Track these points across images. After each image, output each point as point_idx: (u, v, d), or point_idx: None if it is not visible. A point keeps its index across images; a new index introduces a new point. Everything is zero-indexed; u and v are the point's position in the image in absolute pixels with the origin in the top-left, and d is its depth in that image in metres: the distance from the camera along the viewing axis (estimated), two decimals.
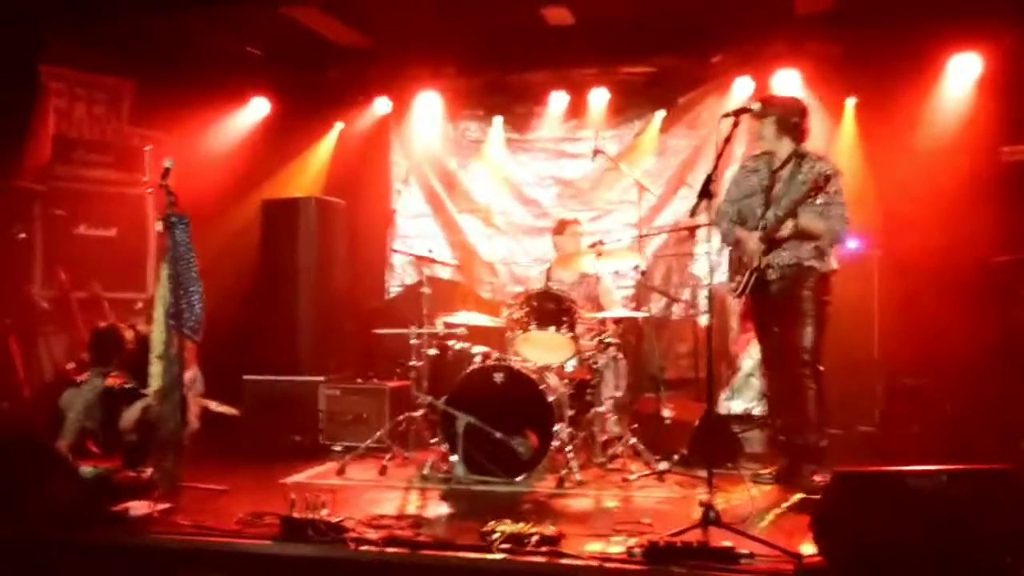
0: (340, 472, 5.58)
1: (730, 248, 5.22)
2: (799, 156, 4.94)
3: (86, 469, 4.92)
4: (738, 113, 4.25)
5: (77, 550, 3.93)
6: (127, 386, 5.64)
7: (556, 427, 5.23)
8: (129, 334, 5.62)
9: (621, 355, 6.10)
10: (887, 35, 6.66)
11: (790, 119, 4.94)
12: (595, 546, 3.79)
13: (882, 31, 6.64)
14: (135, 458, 5.28)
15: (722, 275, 5.34)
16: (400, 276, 8.33)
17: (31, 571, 3.91)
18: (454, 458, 5.27)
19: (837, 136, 7.12)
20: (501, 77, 8.02)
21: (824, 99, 7.01)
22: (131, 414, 5.32)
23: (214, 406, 5.82)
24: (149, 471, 4.83)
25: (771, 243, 4.86)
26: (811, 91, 7.05)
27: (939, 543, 3.26)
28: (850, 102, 7.14)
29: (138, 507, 4.26)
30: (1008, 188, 6.32)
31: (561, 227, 6.69)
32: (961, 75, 6.83)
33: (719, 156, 4.20)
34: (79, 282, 6.77)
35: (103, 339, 5.59)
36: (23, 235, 6.72)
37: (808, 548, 3.60)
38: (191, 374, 5.42)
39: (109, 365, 5.55)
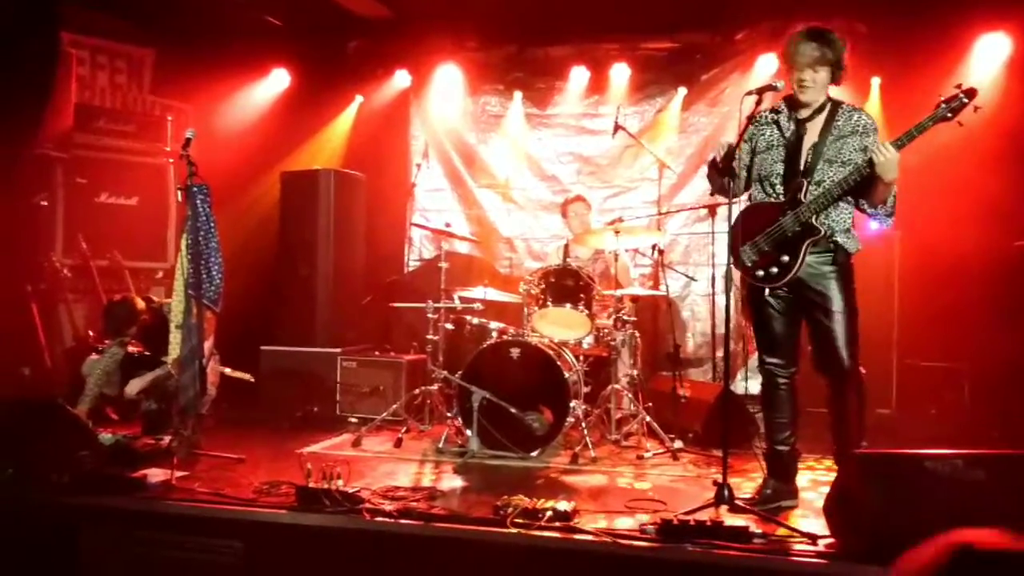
0: (356, 444, 5.62)
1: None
2: (833, 104, 4.10)
3: (105, 436, 4.98)
4: (761, 91, 4.09)
5: (95, 515, 3.98)
6: (146, 354, 5.70)
7: (571, 403, 5.25)
8: (142, 305, 5.66)
9: (637, 333, 6.10)
10: (913, 13, 6.56)
11: (842, 63, 4.04)
12: (608, 523, 3.81)
13: (908, 9, 6.55)
14: (154, 426, 5.36)
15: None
16: (418, 250, 8.35)
17: (49, 535, 3.97)
18: (469, 432, 5.29)
19: None
20: (522, 51, 7.98)
21: (849, 78, 6.90)
22: (137, 383, 5.37)
23: (229, 372, 5.87)
24: (167, 439, 4.89)
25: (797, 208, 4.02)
26: None
27: (953, 527, 3.25)
28: (875, 81, 7.05)
29: (156, 474, 4.31)
30: None
31: (563, 208, 6.83)
32: (989, 55, 6.72)
33: (741, 134, 4.13)
34: (100, 250, 6.81)
35: (115, 311, 5.63)
36: (45, 203, 6.77)
37: (822, 529, 3.61)
38: (209, 344, 5.45)
39: (123, 336, 5.60)
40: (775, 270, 4.08)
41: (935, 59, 6.65)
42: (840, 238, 4.04)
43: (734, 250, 4.21)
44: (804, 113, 4.12)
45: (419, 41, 7.93)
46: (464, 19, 7.56)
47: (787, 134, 4.14)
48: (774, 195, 4.15)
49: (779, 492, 4.20)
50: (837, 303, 4.03)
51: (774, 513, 4.02)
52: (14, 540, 3.95)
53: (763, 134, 4.22)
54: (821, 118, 4.09)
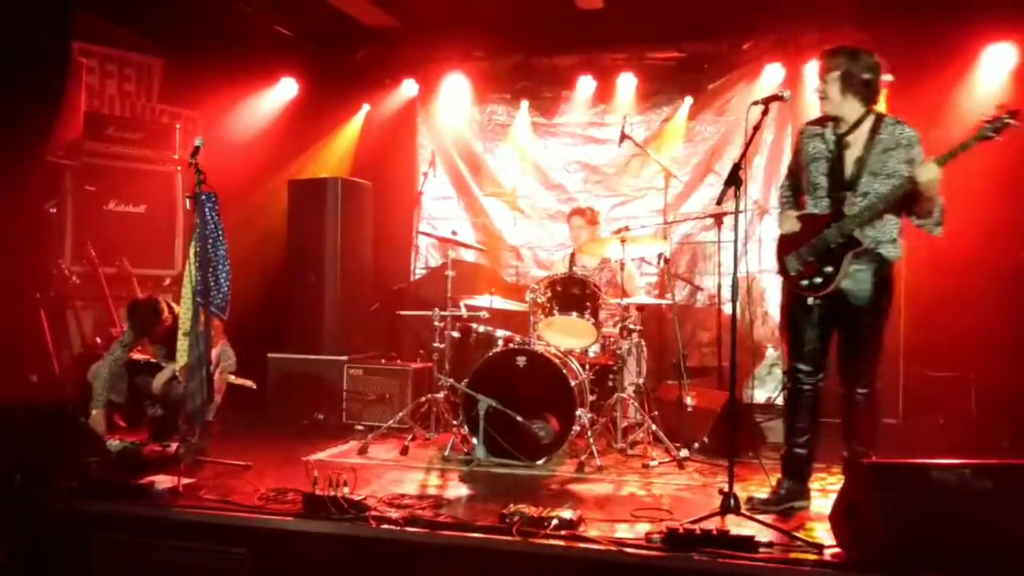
0: (362, 451, 5.62)
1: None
2: (876, 118, 4.19)
3: (113, 442, 5.01)
4: (768, 101, 4.17)
5: (101, 522, 3.99)
6: (151, 361, 5.73)
7: (577, 412, 5.25)
8: (165, 308, 5.69)
9: (643, 342, 6.10)
10: (919, 23, 6.56)
11: (859, 75, 4.14)
12: (614, 531, 3.81)
13: (914, 19, 6.54)
14: (161, 432, 5.38)
15: (763, 263, 4.68)
16: (425, 258, 8.36)
17: (57, 542, 3.98)
18: (475, 440, 5.30)
19: None
20: (529, 60, 8.01)
21: None
22: (163, 375, 5.44)
23: (233, 379, 5.89)
24: (174, 446, 4.90)
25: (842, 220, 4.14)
26: None
27: (960, 537, 3.25)
28: (882, 91, 7.03)
29: (163, 481, 4.32)
30: None
31: (568, 217, 6.83)
32: (996, 65, 6.72)
33: (747, 144, 4.16)
34: (108, 258, 6.84)
35: (140, 310, 5.66)
36: (54, 210, 6.80)
37: (829, 538, 3.60)
38: (217, 351, 5.47)
39: (143, 336, 5.64)
40: (819, 280, 4.20)
41: (942, 69, 6.66)
42: (884, 249, 4.15)
43: (779, 259, 4.37)
44: (843, 127, 4.22)
45: (426, 50, 7.97)
46: (471, 29, 7.59)
47: (830, 147, 4.25)
48: (819, 207, 4.26)
49: (793, 492, 4.32)
50: (872, 314, 4.17)
51: (788, 513, 4.17)
52: (23, 545, 3.97)
53: (808, 146, 4.34)
54: (863, 131, 4.19)
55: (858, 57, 4.17)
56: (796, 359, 4.34)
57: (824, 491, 4.59)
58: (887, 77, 4.52)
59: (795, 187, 4.49)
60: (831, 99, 4.19)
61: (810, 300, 4.23)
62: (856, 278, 4.15)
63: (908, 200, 4.06)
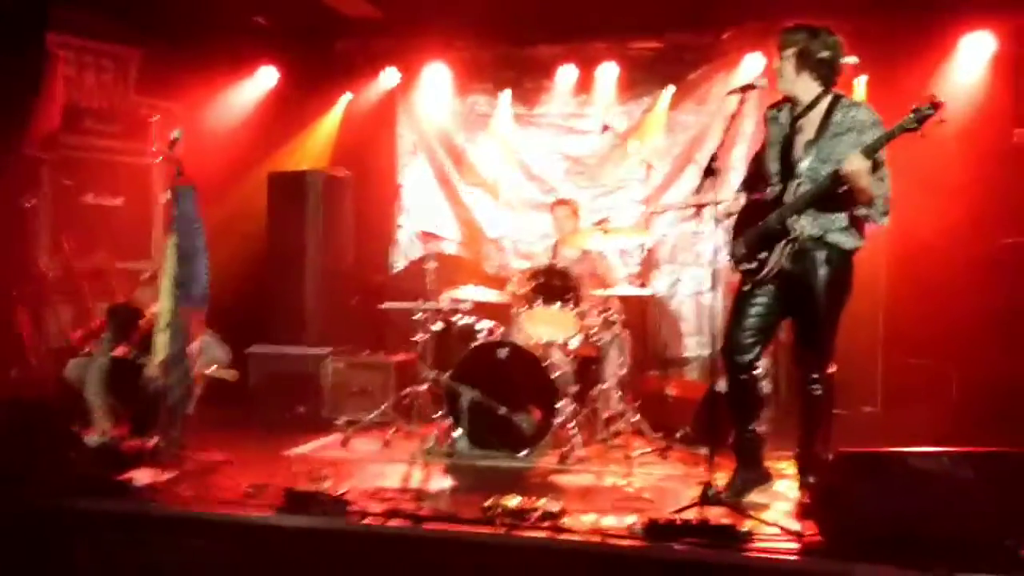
0: (344, 445, 5.62)
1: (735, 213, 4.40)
2: (832, 100, 4.04)
3: (91, 438, 4.96)
4: (744, 89, 4.13)
5: (81, 518, 3.96)
6: (131, 357, 5.68)
7: (559, 403, 5.25)
8: (146, 312, 5.65)
9: (626, 332, 6.10)
10: (898, 12, 6.58)
11: (815, 52, 3.99)
12: (596, 522, 3.82)
13: (893, 7, 6.56)
14: (141, 427, 5.33)
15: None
16: (406, 250, 8.29)
17: (36, 540, 3.95)
18: (457, 433, 5.29)
19: None
20: (510, 50, 7.95)
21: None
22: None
23: (212, 371, 5.84)
24: (154, 441, 4.86)
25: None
26: None
27: (939, 524, 3.27)
28: (860, 80, 7.06)
29: (143, 476, 4.29)
30: (1020, 170, 6.27)
31: (552, 208, 6.79)
32: (974, 54, 6.75)
33: (726, 133, 4.17)
34: (86, 251, 6.79)
35: (119, 315, 5.61)
36: (31, 203, 6.73)
37: (808, 526, 3.62)
38: (197, 344, 5.43)
39: (123, 340, 5.58)
40: (754, 265, 4.16)
41: (921, 58, 6.68)
42: (833, 237, 4.04)
43: (730, 242, 4.33)
44: (798, 109, 4.12)
45: (407, 40, 7.89)
46: (452, 18, 7.52)
47: (784, 131, 4.17)
48: (770, 192, 4.19)
49: (748, 480, 4.27)
50: (820, 302, 4.05)
51: (745, 495, 4.17)
52: (2, 544, 3.94)
53: (770, 130, 4.26)
54: (817, 114, 4.06)
55: (817, 35, 4.04)
56: (735, 342, 4.20)
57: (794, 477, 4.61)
58: (850, 59, 4.42)
59: (757, 171, 4.39)
60: (785, 77, 4.07)
61: (746, 285, 4.21)
62: (805, 266, 4.04)
63: (836, 190, 3.91)
